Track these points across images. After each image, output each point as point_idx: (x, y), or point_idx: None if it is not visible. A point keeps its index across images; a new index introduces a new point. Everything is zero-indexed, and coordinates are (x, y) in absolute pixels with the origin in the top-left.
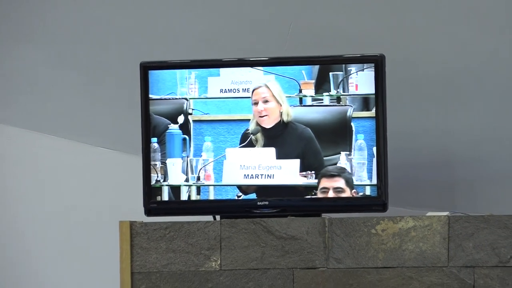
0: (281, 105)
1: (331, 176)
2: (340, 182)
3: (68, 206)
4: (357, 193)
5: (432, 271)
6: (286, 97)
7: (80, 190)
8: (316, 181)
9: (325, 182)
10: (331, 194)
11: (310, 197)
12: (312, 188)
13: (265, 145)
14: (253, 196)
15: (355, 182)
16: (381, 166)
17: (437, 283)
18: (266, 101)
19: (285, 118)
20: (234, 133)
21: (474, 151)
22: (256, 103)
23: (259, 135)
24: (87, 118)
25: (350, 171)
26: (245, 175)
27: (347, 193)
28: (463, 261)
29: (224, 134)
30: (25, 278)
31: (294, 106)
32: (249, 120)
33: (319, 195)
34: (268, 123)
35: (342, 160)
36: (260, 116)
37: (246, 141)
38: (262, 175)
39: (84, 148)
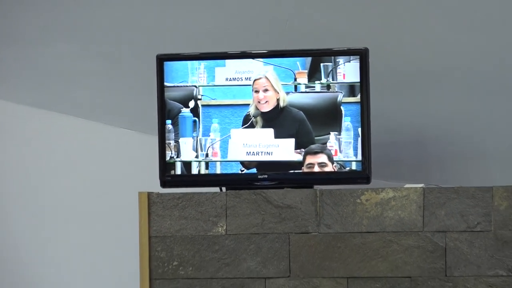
0: (278, 93)
1: (315, 153)
2: (323, 158)
3: (94, 179)
4: (338, 167)
5: (409, 235)
6: (283, 84)
7: (104, 165)
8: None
9: (310, 159)
10: (316, 168)
11: (303, 171)
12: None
13: (263, 126)
14: (254, 170)
15: (343, 159)
16: (365, 144)
17: (413, 246)
18: (266, 90)
19: (281, 104)
20: (237, 116)
21: (446, 132)
22: (257, 91)
23: (258, 118)
24: (110, 103)
25: (338, 148)
26: (247, 152)
27: (329, 167)
28: (436, 226)
29: (229, 116)
30: (55, 238)
31: (289, 93)
32: (248, 105)
33: (305, 170)
34: (267, 108)
35: (332, 139)
36: (259, 102)
37: (248, 123)
38: (262, 152)
39: (108, 129)
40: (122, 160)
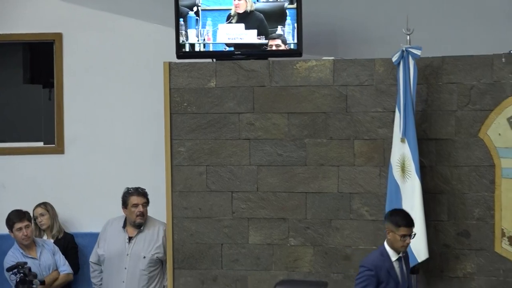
0: (247, 2)
1: (273, 38)
2: (278, 41)
3: (136, 54)
4: (288, 48)
5: (324, 87)
6: None
7: (140, 45)
8: (266, 41)
9: (270, 42)
10: (274, 47)
11: (263, 49)
12: (263, 45)
13: (237, 22)
14: (232, 48)
15: (287, 42)
16: (299, 33)
17: (328, 94)
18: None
19: (248, 9)
20: (223, 16)
21: (348, 26)
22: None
23: (235, 16)
24: (147, 6)
25: (285, 36)
26: (228, 38)
27: (283, 47)
28: (341, 82)
29: (217, 16)
30: (111, 92)
31: (256, 2)
32: (231, 9)
33: (268, 49)
34: (241, 10)
35: (279, 30)
36: (236, 6)
37: (229, 20)
38: (237, 37)
39: (135, 22)
40: (152, 41)
